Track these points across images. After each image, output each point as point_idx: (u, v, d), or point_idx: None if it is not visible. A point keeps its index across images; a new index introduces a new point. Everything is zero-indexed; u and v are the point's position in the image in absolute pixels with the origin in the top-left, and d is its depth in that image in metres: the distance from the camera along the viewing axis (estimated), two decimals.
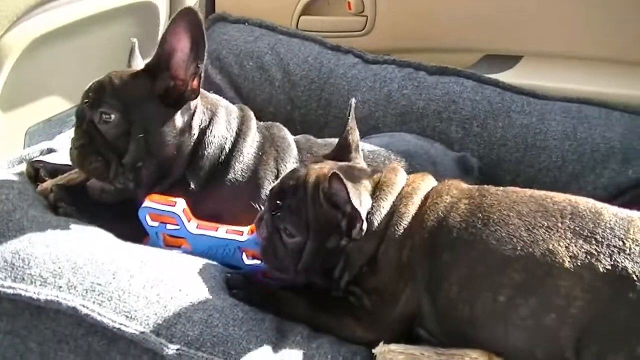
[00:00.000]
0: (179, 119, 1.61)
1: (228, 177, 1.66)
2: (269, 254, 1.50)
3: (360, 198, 1.40)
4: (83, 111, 1.60)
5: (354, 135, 1.62)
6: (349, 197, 1.35)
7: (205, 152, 1.65)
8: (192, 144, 1.64)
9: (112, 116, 1.56)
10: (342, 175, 1.35)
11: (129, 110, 1.57)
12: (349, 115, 1.61)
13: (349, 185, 1.35)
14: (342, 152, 1.61)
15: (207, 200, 1.65)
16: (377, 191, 1.47)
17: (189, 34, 1.56)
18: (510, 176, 2.09)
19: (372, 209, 1.45)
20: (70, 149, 1.61)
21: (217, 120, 1.69)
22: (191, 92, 1.61)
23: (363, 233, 1.42)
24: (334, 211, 1.43)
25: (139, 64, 1.77)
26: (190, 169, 1.65)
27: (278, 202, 1.47)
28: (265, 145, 1.74)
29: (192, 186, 1.64)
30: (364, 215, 1.40)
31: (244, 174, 1.68)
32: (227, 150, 1.68)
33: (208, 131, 1.66)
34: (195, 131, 1.65)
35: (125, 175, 1.58)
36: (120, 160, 1.57)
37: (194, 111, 1.64)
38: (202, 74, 1.61)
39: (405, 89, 2.23)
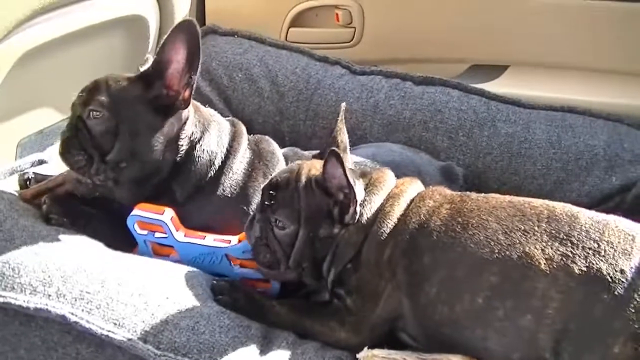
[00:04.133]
0: (168, 127, 1.63)
1: (217, 192, 1.69)
2: (261, 249, 1.52)
3: (356, 181, 1.45)
4: (75, 107, 1.64)
5: (342, 136, 1.64)
6: (345, 174, 1.39)
7: (194, 165, 1.67)
8: (181, 154, 1.66)
9: (101, 113, 1.58)
10: (340, 153, 1.38)
11: (118, 109, 1.60)
12: (339, 117, 1.63)
13: (346, 165, 1.39)
14: None
15: (195, 215, 1.67)
16: (368, 186, 1.52)
17: (185, 45, 1.58)
18: (495, 184, 2.11)
19: (363, 201, 1.48)
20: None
21: (208, 135, 1.70)
22: (182, 102, 1.63)
23: (357, 217, 1.46)
24: (326, 198, 1.46)
25: None
26: (177, 180, 1.67)
27: (271, 192, 1.50)
28: (254, 162, 1.76)
29: (178, 196, 1.67)
30: (359, 197, 1.44)
31: (232, 190, 1.70)
32: (216, 166, 1.70)
33: (198, 145, 1.68)
34: (185, 142, 1.66)
35: (106, 174, 1.61)
36: (103, 158, 1.59)
37: (185, 122, 1.66)
38: (194, 85, 1.63)
39: (392, 99, 2.25)
